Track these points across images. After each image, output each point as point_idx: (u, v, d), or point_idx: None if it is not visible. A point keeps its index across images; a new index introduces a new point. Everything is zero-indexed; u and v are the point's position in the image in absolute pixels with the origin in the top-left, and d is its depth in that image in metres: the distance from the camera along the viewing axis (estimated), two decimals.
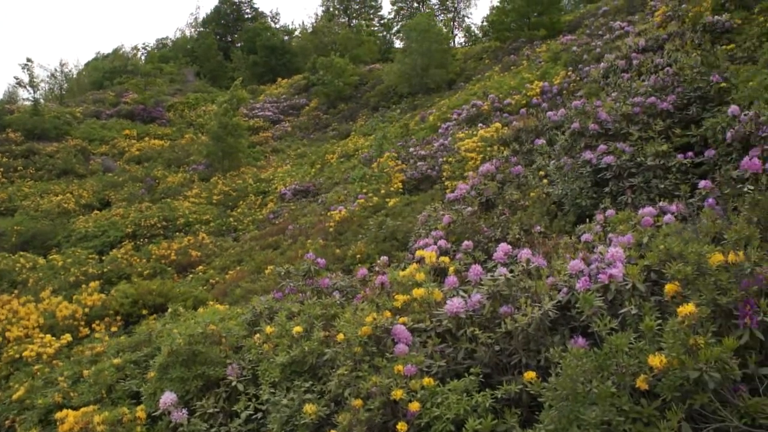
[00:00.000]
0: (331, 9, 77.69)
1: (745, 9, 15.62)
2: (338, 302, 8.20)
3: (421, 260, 8.25)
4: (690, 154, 10.23)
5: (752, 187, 6.56)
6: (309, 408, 5.73)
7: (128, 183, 35.36)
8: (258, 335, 7.71)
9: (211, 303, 14.91)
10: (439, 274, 8.13)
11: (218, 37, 77.06)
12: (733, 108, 9.43)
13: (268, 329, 7.48)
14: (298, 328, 6.99)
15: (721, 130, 9.57)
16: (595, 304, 5.14)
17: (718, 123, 9.77)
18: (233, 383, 7.09)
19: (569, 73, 22.45)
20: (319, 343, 6.69)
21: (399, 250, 14.21)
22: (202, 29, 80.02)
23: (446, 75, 40.82)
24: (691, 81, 12.11)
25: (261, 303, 8.86)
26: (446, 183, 17.67)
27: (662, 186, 9.87)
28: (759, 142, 8.20)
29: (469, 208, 12.22)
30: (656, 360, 4.15)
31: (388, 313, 6.36)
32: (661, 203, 8.49)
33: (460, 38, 74.29)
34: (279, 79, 60.12)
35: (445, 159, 19.63)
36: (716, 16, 15.78)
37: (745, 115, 8.88)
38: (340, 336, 6.29)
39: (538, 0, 38.52)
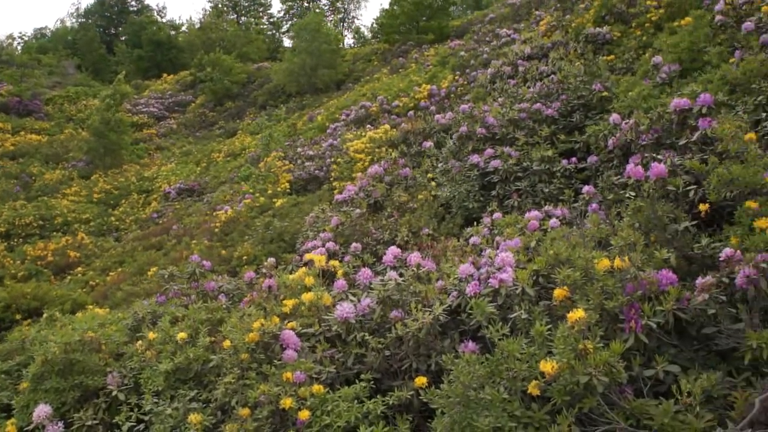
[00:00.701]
0: (220, 5, 76.03)
1: (623, 23, 16.27)
2: (225, 306, 7.95)
3: (309, 263, 8.11)
4: (574, 159, 10.54)
5: (633, 194, 6.77)
6: (194, 418, 5.48)
7: (1, 180, 33.40)
8: (140, 342, 7.32)
9: (91, 307, 14.23)
10: (328, 277, 8.03)
11: (101, 29, 74.09)
12: (615, 116, 9.75)
13: (151, 335, 7.15)
14: (182, 334, 6.71)
15: (603, 137, 9.88)
16: (488, 311, 5.16)
17: (600, 130, 10.09)
18: (114, 393, 6.69)
19: (457, 77, 22.77)
20: (205, 350, 6.45)
21: (286, 251, 14.00)
22: (84, 20, 76.52)
23: (335, 75, 40.72)
24: (574, 89, 12.49)
25: (143, 307, 8.47)
26: (334, 184, 17.55)
27: (547, 190, 10.11)
28: (639, 150, 8.49)
29: (358, 210, 12.17)
30: (548, 366, 4.18)
31: (276, 319, 6.19)
32: (546, 207, 8.70)
33: (349, 39, 74.38)
34: (165, 75, 58.32)
35: (333, 159, 19.52)
36: (597, 28, 16.36)
37: (625, 123, 9.19)
38: (227, 343, 6.06)
39: (427, 4, 39.02)
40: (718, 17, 11.10)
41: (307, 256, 8.48)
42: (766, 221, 5.03)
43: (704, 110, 7.82)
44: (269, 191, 19.61)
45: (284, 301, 6.66)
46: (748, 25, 9.77)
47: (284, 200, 18.37)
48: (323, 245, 10.61)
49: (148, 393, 6.35)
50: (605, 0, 17.35)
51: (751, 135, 6.40)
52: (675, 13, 14.19)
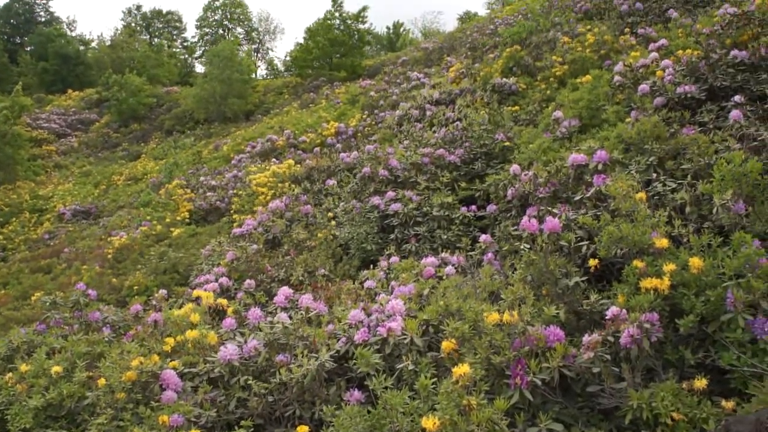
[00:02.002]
0: (133, 24, 74.65)
1: (529, 75, 16.71)
2: (107, 339, 7.60)
3: (198, 299, 7.82)
4: (473, 207, 10.62)
5: (528, 246, 6.79)
6: None
7: None
8: (11, 374, 6.85)
9: None
10: (218, 312, 7.76)
11: (5, 36, 71.14)
12: (515, 167, 9.89)
13: (23, 367, 6.70)
14: (57, 368, 6.34)
15: (503, 186, 9.99)
16: (372, 362, 5.03)
17: (501, 180, 10.20)
18: None
19: (365, 116, 22.87)
20: (81, 386, 6.10)
21: (180, 284, 13.57)
22: None
23: (245, 105, 40.37)
24: (478, 137, 12.65)
25: (20, 336, 7.93)
26: (235, 216, 17.22)
27: (446, 237, 10.14)
28: (536, 201, 8.60)
29: (255, 246, 11.93)
30: (429, 422, 4.06)
31: (156, 358, 5.91)
32: (443, 254, 8.70)
33: (262, 70, 74.24)
34: (70, 91, 56.34)
35: (235, 192, 19.20)
36: (504, 79, 16.74)
37: (525, 174, 9.31)
38: (102, 381, 5.72)
39: (341, 42, 39.31)
40: (616, 78, 11.48)
41: (194, 293, 8.18)
42: (651, 281, 5.09)
43: (600, 167, 7.99)
44: (168, 219, 19.08)
45: (166, 339, 6.37)
46: (644, 87, 10.11)
47: (182, 230, 17.90)
48: (217, 280, 10.37)
49: (14, 430, 5.90)
50: (513, 52, 17.80)
51: (642, 195, 6.53)
52: (578, 70, 14.65)
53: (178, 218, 19.21)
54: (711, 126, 8.55)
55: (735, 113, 8.03)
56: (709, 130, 8.35)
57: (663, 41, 12.37)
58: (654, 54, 11.59)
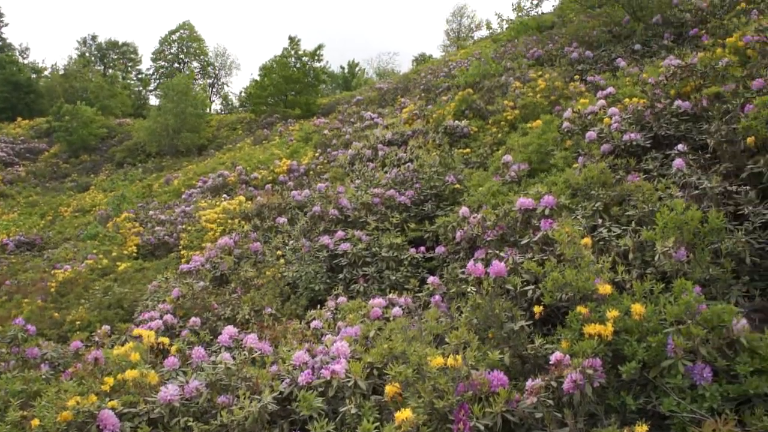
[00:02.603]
0: (88, 55, 73.95)
1: (481, 118, 16.93)
2: (45, 377, 7.36)
3: (139, 337, 7.65)
4: (422, 248, 10.66)
5: (475, 289, 6.81)
6: None
7: None
8: None
9: None
10: (162, 351, 7.60)
11: None
12: (464, 209, 9.95)
13: None
14: None
15: (452, 228, 10.04)
16: (315, 405, 4.96)
17: (450, 222, 10.25)
18: None
19: (318, 154, 22.87)
20: (14, 426, 5.85)
21: (124, 320, 13.26)
22: None
23: (198, 140, 40.13)
24: (429, 179, 12.73)
25: None
26: (183, 252, 16.98)
27: (394, 278, 10.13)
28: (484, 244, 8.65)
29: (201, 283, 11.77)
30: None
31: (93, 398, 5.72)
32: (391, 295, 8.68)
33: (217, 105, 74.12)
34: (20, 119, 55.29)
35: (184, 227, 18.95)
36: (456, 121, 16.93)
37: (473, 217, 9.38)
38: (35, 421, 5.52)
39: (297, 80, 39.45)
40: (565, 124, 11.68)
41: (135, 332, 8.01)
42: (594, 327, 5.13)
43: (547, 212, 8.09)
44: (114, 253, 18.72)
45: (105, 378, 6.19)
46: (591, 134, 10.31)
47: (129, 264, 17.57)
48: (161, 317, 10.19)
49: None
50: (466, 95, 18.05)
51: (587, 240, 6.61)
52: (528, 115, 14.90)
53: (125, 252, 18.86)
54: (655, 173, 8.71)
55: (678, 162, 8.21)
56: (653, 178, 8.52)
57: (611, 89, 12.66)
58: (602, 101, 11.85)
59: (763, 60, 10.00)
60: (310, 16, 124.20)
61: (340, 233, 11.38)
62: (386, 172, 14.42)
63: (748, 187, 7.34)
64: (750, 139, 7.70)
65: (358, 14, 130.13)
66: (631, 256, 6.72)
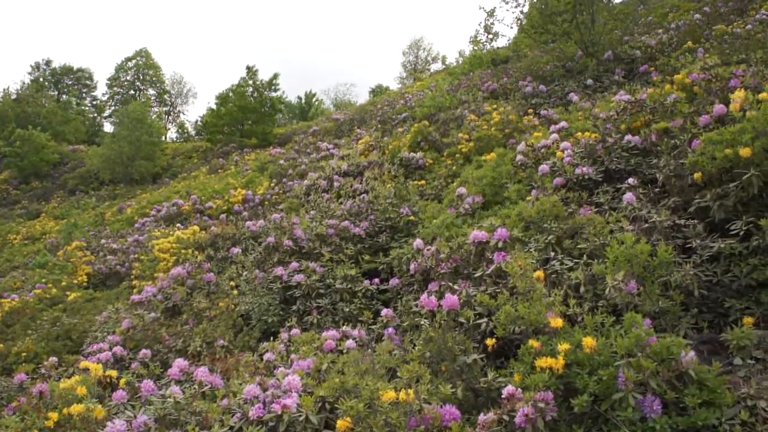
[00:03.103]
0: (42, 80, 72.86)
1: (436, 150, 17.05)
2: None
3: (87, 370, 7.48)
4: (377, 280, 10.64)
5: (428, 322, 6.80)
6: None
7: None
8: None
9: None
10: (110, 384, 7.44)
11: None
12: (418, 242, 9.98)
13: None
14: None
15: (406, 261, 10.06)
16: None
17: (404, 254, 10.27)
18: None
19: (273, 185, 22.79)
20: None
21: (72, 351, 12.93)
22: None
23: (153, 168, 39.74)
24: (384, 210, 12.75)
25: None
26: (135, 282, 16.69)
27: (348, 310, 10.08)
28: (438, 277, 8.66)
29: (153, 314, 11.58)
30: None
31: None
32: (344, 327, 8.64)
33: (173, 133, 73.46)
34: None
35: (137, 256, 18.66)
36: (412, 153, 17.03)
37: (427, 249, 9.40)
38: None
39: (253, 109, 39.40)
40: (519, 157, 11.83)
41: (82, 364, 7.82)
42: (546, 361, 5.14)
43: (500, 244, 8.13)
44: (64, 283, 18.34)
45: (50, 413, 6.03)
46: (544, 167, 10.44)
47: (79, 294, 17.21)
48: (110, 349, 9.97)
49: None
50: (422, 127, 18.18)
51: (540, 273, 6.64)
52: (483, 148, 15.03)
53: (76, 282, 18.49)
54: (607, 207, 8.85)
55: (628, 196, 8.34)
56: (604, 211, 8.64)
57: (563, 123, 12.87)
58: (555, 135, 12.03)
59: (709, 97, 10.26)
60: (269, 46, 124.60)
61: (294, 264, 11.31)
62: (341, 203, 14.41)
63: (695, 221, 7.50)
64: (697, 174, 7.85)
65: (316, 45, 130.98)
66: (582, 289, 6.78)
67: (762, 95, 8.05)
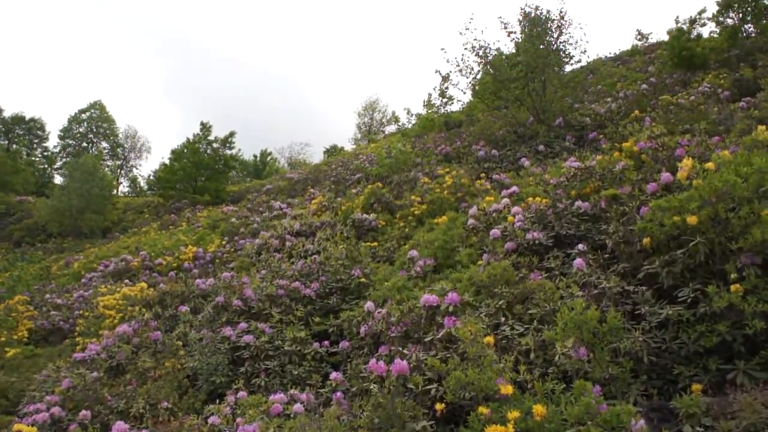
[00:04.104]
0: None
1: (389, 212, 17.10)
2: None
3: None
4: (326, 343, 10.50)
5: (377, 387, 6.70)
6: None
7: None
8: None
9: None
10: None
11: None
12: (369, 304, 9.92)
13: None
14: None
15: (356, 323, 9.99)
16: None
17: (355, 316, 10.20)
18: None
19: (225, 243, 22.56)
20: None
21: (7, 412, 12.42)
22: None
23: (103, 222, 39.07)
24: (335, 272, 12.70)
25: None
26: (78, 339, 16.21)
27: (296, 372, 9.91)
28: (388, 340, 8.59)
29: (95, 373, 11.22)
30: None
31: None
32: (292, 390, 8.49)
33: (125, 187, 72.70)
34: None
35: (81, 313, 18.17)
36: (365, 214, 17.04)
37: (378, 312, 9.35)
38: None
39: (207, 166, 39.24)
40: (471, 221, 11.90)
41: (16, 427, 7.52)
42: (496, 429, 5.08)
43: (451, 309, 8.11)
44: (3, 338, 17.71)
45: None
46: (495, 232, 10.50)
47: (19, 350, 16.63)
48: (48, 409, 9.63)
49: None
50: (375, 189, 18.25)
51: (490, 338, 6.63)
52: (436, 211, 15.12)
53: (16, 337, 17.86)
54: (557, 272, 8.89)
55: (578, 261, 8.41)
56: (555, 276, 8.69)
57: (515, 188, 13.03)
58: (506, 200, 12.15)
59: (656, 165, 10.51)
60: (225, 104, 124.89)
61: (242, 325, 11.13)
62: (293, 264, 14.29)
63: (644, 287, 7.58)
64: (646, 241, 7.98)
65: (272, 103, 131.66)
66: (533, 355, 6.76)
67: (708, 165, 8.25)
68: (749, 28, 22.84)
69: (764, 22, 22.40)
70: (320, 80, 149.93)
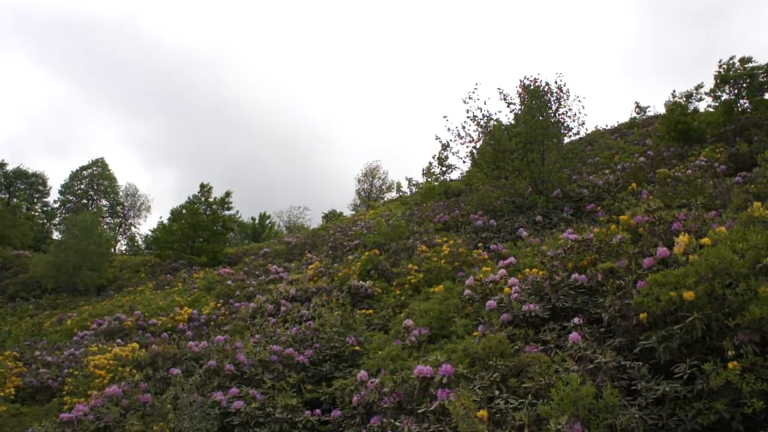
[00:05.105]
0: None
1: (386, 280, 17.05)
2: None
3: None
4: (318, 411, 10.33)
5: None
6: None
7: None
8: None
9: None
10: None
11: None
12: (362, 373, 9.82)
13: None
14: None
15: (349, 392, 9.87)
16: None
17: (348, 385, 10.08)
18: None
19: (220, 305, 22.43)
20: None
21: None
22: None
23: (98, 279, 38.86)
24: (329, 339, 12.61)
25: None
26: (66, 399, 15.96)
27: None
28: (381, 411, 8.47)
29: None
30: None
31: None
32: None
33: (122, 245, 72.63)
34: None
35: (71, 371, 17.94)
36: (361, 281, 16.99)
37: (371, 382, 9.24)
38: None
39: (205, 227, 39.25)
40: (466, 291, 11.86)
41: None
42: None
43: (444, 380, 8.02)
44: None
45: None
46: (491, 303, 10.45)
47: (4, 408, 16.34)
48: None
49: None
50: (372, 256, 18.24)
51: (483, 412, 6.54)
52: (433, 279, 15.09)
53: (2, 394, 17.60)
54: (553, 345, 8.81)
55: (574, 335, 8.35)
56: (550, 349, 8.61)
57: (512, 259, 13.02)
58: (503, 271, 12.13)
59: (653, 239, 10.50)
60: (227, 165, 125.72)
61: (234, 390, 10.97)
62: (287, 329, 14.20)
63: (640, 363, 7.50)
64: (642, 315, 7.93)
65: (272, 166, 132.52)
66: (526, 430, 6.66)
67: (704, 240, 8.27)
68: (744, 103, 23.21)
69: (758, 97, 22.78)
70: (322, 144, 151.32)
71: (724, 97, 23.40)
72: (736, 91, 23.19)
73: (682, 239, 8.69)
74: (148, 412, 12.14)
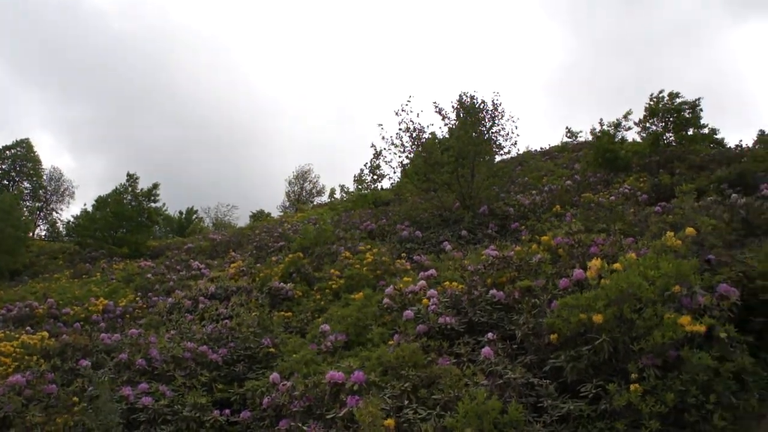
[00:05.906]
0: None
1: (308, 284, 16.98)
2: None
3: None
4: (227, 411, 10.20)
5: None
6: None
7: None
8: None
9: None
10: None
11: None
12: (275, 375, 9.76)
13: None
14: None
15: (260, 394, 9.78)
16: None
17: (259, 386, 10.00)
18: None
19: (138, 298, 21.97)
20: None
21: None
22: None
23: (13, 264, 37.50)
24: (245, 339, 12.49)
25: None
26: None
27: None
28: (290, 415, 8.43)
29: None
30: None
31: None
32: None
33: (42, 230, 70.35)
34: None
35: None
36: (282, 284, 16.87)
37: (282, 385, 9.19)
38: None
39: (129, 217, 38.41)
40: (386, 300, 11.92)
41: None
42: None
43: (356, 387, 8.03)
44: None
45: None
46: (408, 313, 10.52)
47: None
48: None
49: None
50: (296, 259, 18.16)
51: (390, 422, 6.57)
52: (354, 286, 15.10)
53: None
54: (465, 358, 8.91)
55: (486, 350, 8.47)
56: (463, 363, 8.70)
57: (433, 271, 13.14)
58: (423, 282, 12.23)
59: (571, 260, 10.75)
60: (158, 157, 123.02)
61: (143, 385, 10.74)
62: (204, 326, 14.00)
63: (549, 381, 7.64)
64: (553, 336, 8.10)
65: (204, 161, 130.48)
66: None
67: (615, 265, 8.50)
68: (670, 136, 24.01)
69: (683, 132, 23.61)
70: (255, 144, 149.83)
71: (653, 128, 24.16)
72: (663, 124, 23.98)
73: (595, 263, 8.90)
74: (52, 403, 11.78)
